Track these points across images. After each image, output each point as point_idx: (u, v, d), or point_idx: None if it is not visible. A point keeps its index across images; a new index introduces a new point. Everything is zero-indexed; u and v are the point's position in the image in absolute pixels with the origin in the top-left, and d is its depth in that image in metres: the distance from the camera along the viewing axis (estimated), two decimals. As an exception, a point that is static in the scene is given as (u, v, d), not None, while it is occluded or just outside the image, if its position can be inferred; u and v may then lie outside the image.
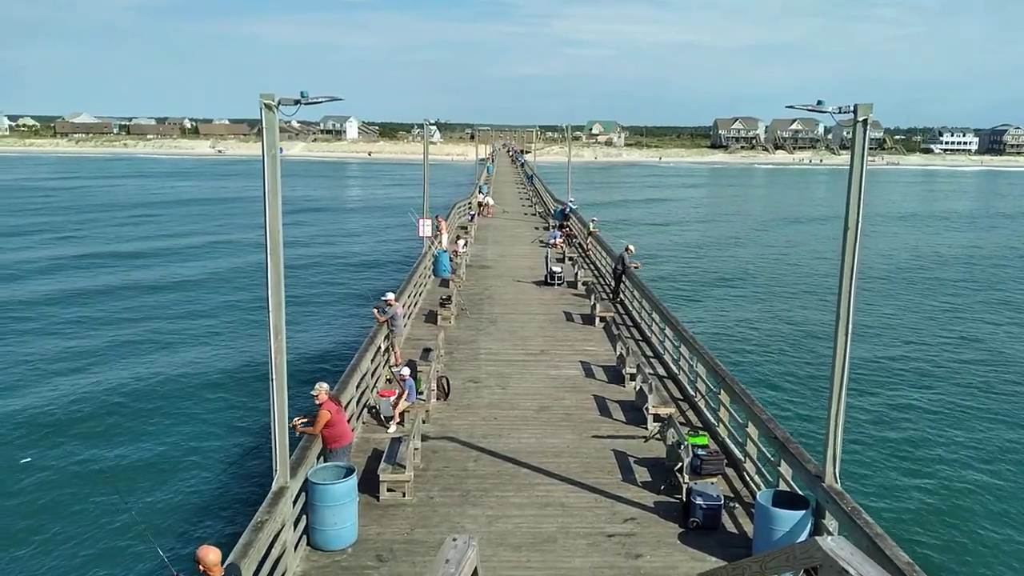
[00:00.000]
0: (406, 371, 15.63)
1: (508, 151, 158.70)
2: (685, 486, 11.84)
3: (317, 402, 11.45)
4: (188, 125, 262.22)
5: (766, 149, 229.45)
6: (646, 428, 15.07)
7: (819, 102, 9.49)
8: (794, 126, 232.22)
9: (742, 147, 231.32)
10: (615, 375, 18.59)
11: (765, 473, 12.61)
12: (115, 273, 45.92)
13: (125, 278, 44.38)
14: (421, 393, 15.93)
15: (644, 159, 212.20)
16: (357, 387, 14.82)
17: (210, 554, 7.54)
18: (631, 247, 26.86)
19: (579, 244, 39.72)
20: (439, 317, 23.20)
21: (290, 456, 10.27)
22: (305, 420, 11.70)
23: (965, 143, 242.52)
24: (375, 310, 18.78)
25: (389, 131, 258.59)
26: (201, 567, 7.53)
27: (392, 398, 15.24)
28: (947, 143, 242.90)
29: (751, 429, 13.08)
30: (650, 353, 20.75)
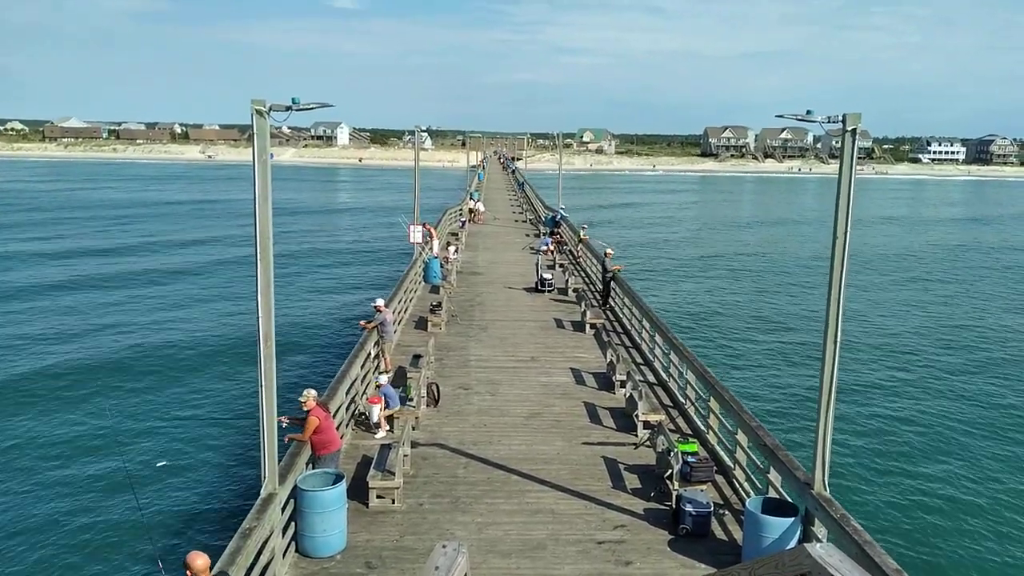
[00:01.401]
0: (383, 379, 15.62)
1: (499, 158, 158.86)
2: (675, 493, 11.86)
3: (305, 408, 11.41)
4: (178, 130, 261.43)
5: (756, 157, 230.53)
6: (636, 435, 15.09)
7: (808, 111, 9.55)
8: (783, 135, 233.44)
9: (732, 155, 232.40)
10: (605, 382, 18.60)
11: (754, 480, 12.65)
12: (97, 276, 45.61)
13: (110, 283, 44.09)
14: (411, 399, 15.91)
15: (636, 167, 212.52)
16: (347, 394, 14.79)
17: (198, 560, 7.52)
18: (610, 250, 27.46)
19: (570, 251, 39.77)
20: (429, 323, 23.19)
21: (279, 463, 10.23)
22: (291, 422, 11.62)
23: (953, 152, 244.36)
24: (363, 323, 18.85)
25: (380, 137, 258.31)
26: (189, 572, 7.50)
27: (380, 405, 15.22)
28: (935, 153, 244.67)
29: (741, 436, 13.10)
30: (640, 360, 20.79)
